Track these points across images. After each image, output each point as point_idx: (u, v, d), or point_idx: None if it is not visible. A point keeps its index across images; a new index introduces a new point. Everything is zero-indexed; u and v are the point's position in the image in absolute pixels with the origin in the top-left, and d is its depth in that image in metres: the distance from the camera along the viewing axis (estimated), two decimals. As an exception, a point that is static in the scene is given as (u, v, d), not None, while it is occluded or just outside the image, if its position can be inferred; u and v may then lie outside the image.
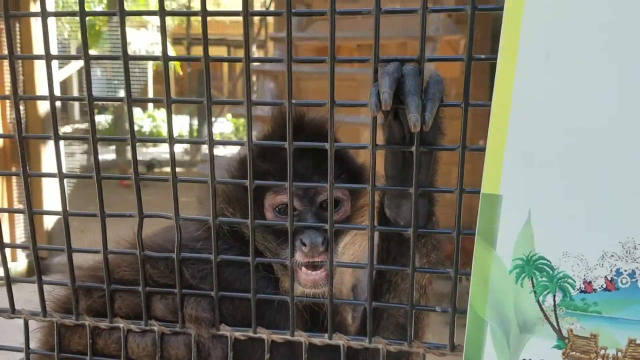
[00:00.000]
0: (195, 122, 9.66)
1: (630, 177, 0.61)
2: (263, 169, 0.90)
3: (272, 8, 8.50)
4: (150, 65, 8.75)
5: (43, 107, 4.38)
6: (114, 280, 0.85)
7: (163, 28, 0.75)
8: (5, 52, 0.79)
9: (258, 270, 0.85)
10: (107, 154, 8.83)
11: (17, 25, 4.29)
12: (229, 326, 0.82)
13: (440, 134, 0.78)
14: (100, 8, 8.19)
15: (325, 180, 0.72)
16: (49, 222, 4.77)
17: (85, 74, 0.79)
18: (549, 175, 0.64)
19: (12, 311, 0.88)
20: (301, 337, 0.80)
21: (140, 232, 0.80)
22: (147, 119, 10.50)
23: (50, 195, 4.57)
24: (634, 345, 0.63)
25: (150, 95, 9.74)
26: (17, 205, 4.56)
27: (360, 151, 0.83)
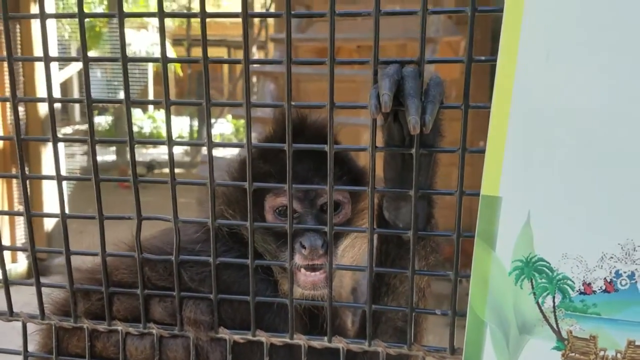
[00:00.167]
0: (196, 123, 9.67)
1: (630, 178, 0.61)
2: (264, 171, 0.90)
3: (272, 9, 8.51)
4: (150, 67, 8.77)
5: (43, 108, 4.38)
6: (112, 282, 0.85)
7: (162, 29, 0.75)
8: (4, 53, 0.78)
9: (257, 273, 0.84)
10: (107, 155, 8.83)
11: (18, 26, 4.29)
12: (227, 329, 0.82)
13: (440, 136, 0.77)
14: (100, 9, 8.19)
15: (326, 182, 0.72)
16: (48, 223, 4.76)
17: (84, 76, 0.79)
18: (548, 176, 0.63)
19: (10, 314, 0.88)
20: (300, 340, 0.80)
21: (139, 234, 0.80)
22: (147, 120, 10.51)
23: (51, 197, 4.57)
24: (633, 347, 0.62)
25: (151, 96, 9.75)
26: (17, 206, 4.55)
27: (361, 154, 0.82)
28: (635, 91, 0.60)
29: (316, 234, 0.87)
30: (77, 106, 9.63)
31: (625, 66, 0.60)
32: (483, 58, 0.69)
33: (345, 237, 0.96)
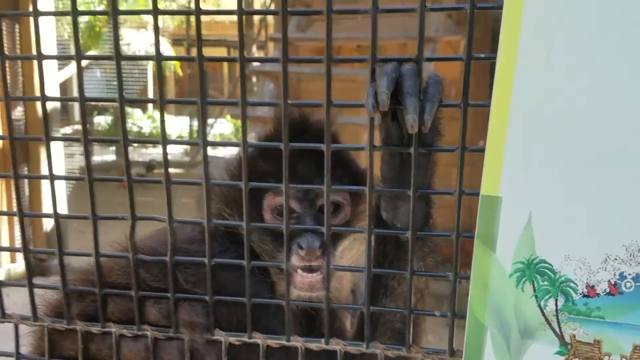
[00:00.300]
0: (196, 123, 9.66)
1: (634, 178, 0.59)
2: (263, 170, 0.88)
3: (272, 8, 8.49)
4: (150, 67, 8.75)
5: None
6: (106, 284, 0.84)
7: (156, 27, 0.74)
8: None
9: (254, 274, 0.83)
10: (107, 155, 8.81)
11: (17, 26, 4.28)
12: (223, 331, 0.81)
13: (439, 135, 0.76)
14: (100, 9, 8.18)
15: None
16: (48, 224, 4.75)
17: (77, 74, 0.78)
18: (550, 176, 0.62)
19: (1, 315, 0.87)
20: (297, 342, 0.78)
21: (133, 234, 0.79)
22: (147, 120, 10.49)
23: (48, 197, 4.54)
24: (638, 352, 0.61)
25: (150, 96, 9.74)
26: (15, 208, 4.52)
27: (362, 155, 0.81)
28: (638, 90, 0.58)
29: (314, 234, 0.86)
30: (76, 106, 9.59)
31: (627, 66, 0.58)
32: (482, 56, 0.67)
33: (344, 239, 0.94)
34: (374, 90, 0.65)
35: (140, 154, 9.36)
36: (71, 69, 6.71)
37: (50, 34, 4.37)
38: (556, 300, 0.63)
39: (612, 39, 0.58)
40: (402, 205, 0.80)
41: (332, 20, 0.65)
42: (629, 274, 0.60)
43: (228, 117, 10.01)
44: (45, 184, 4.57)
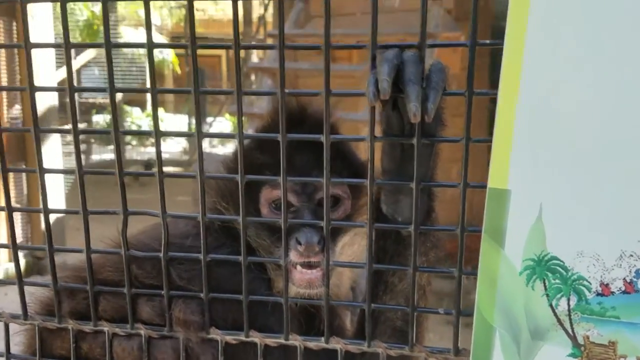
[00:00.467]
0: (194, 121, 9.60)
1: (651, 170, 0.56)
2: (260, 162, 0.85)
3: (270, 7, 8.45)
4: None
5: (42, 104, 4.34)
6: (98, 281, 0.80)
7: (147, 14, 0.70)
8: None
9: (250, 270, 0.80)
10: (106, 154, 8.77)
11: (14, 23, 4.25)
12: (219, 329, 0.78)
13: (442, 125, 0.73)
14: (98, 8, 8.12)
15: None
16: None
17: (66, 63, 0.74)
18: (561, 167, 0.59)
19: (-9, 314, 0.84)
20: (296, 341, 0.75)
21: (125, 230, 0.76)
22: (146, 119, 10.45)
23: (50, 193, 4.51)
24: (655, 353, 0.58)
25: (148, 94, 9.64)
26: (14, 204, 4.49)
27: (362, 148, 0.79)
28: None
29: (313, 229, 0.83)
30: (75, 105, 9.55)
31: (636, 56, 0.55)
32: (488, 42, 0.64)
33: (344, 234, 0.91)
34: (375, 78, 0.62)
35: (139, 152, 9.31)
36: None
37: (48, 31, 4.35)
38: (568, 300, 0.60)
39: (621, 29, 0.55)
40: (403, 198, 0.77)
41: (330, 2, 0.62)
42: (646, 271, 0.57)
43: (227, 115, 9.95)
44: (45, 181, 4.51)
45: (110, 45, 0.72)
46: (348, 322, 1.01)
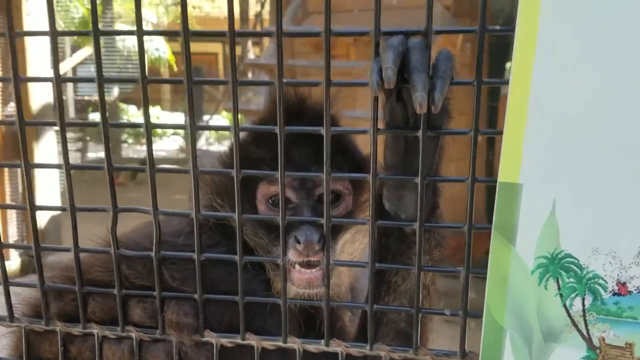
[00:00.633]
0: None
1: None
2: (256, 157, 0.81)
3: (267, 4, 8.40)
4: (145, 64, 8.58)
5: (37, 103, 4.30)
6: (87, 281, 0.77)
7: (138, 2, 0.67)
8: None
9: (247, 270, 0.76)
10: (101, 153, 8.67)
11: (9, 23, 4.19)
12: (214, 332, 0.74)
13: (448, 117, 0.69)
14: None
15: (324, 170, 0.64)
16: (41, 220, 4.67)
17: (52, 52, 0.71)
18: (576, 160, 0.55)
19: (-26, 316, 0.80)
20: (295, 343, 0.72)
21: (115, 227, 0.72)
22: (142, 117, 10.38)
23: (44, 192, 4.47)
24: (676, 356, 0.55)
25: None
26: (8, 201, 4.46)
27: (364, 143, 0.75)
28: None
29: (313, 227, 0.79)
30: (71, 104, 9.51)
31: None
32: (498, 27, 0.61)
33: (345, 231, 0.87)
34: (379, 66, 0.58)
35: (135, 150, 9.25)
36: (65, 65, 6.58)
37: (43, 28, 4.28)
38: (583, 299, 0.57)
39: (636, 20, 0.52)
40: (407, 194, 0.73)
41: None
42: (666, 270, 0.54)
43: (224, 113, 9.88)
44: (38, 179, 4.49)
45: (98, 33, 0.68)
46: (348, 323, 0.97)
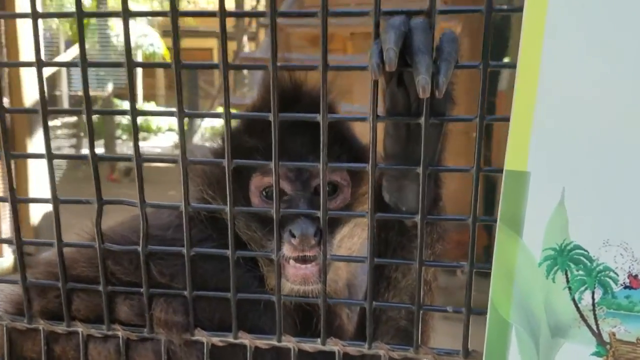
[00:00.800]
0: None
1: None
2: (249, 146, 0.77)
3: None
4: (139, 56, 8.56)
5: (29, 100, 4.25)
6: (71, 277, 0.73)
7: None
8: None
9: (240, 266, 0.73)
10: (96, 149, 8.61)
11: (2, 20, 4.14)
12: (205, 330, 0.71)
13: (452, 103, 0.66)
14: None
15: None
16: (35, 217, 4.62)
17: (34, 35, 0.67)
18: (587, 147, 0.53)
19: (-47, 314, 0.76)
20: (290, 342, 0.69)
21: (99, 220, 0.69)
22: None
23: (37, 186, 4.41)
24: (691, 353, 0.52)
25: (140, 88, 9.54)
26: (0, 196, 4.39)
27: (363, 135, 0.72)
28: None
29: (309, 220, 0.75)
30: (65, 99, 9.43)
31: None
32: (505, 7, 0.58)
33: (343, 225, 0.84)
34: (379, 47, 0.55)
35: (129, 147, 9.18)
36: (59, 60, 6.51)
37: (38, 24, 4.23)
38: (593, 293, 0.54)
39: None
40: (408, 185, 0.70)
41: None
42: (682, 262, 0.51)
43: (220, 109, 9.78)
44: (32, 173, 4.43)
45: (82, 15, 0.65)
46: (346, 320, 0.94)
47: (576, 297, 0.54)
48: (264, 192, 0.82)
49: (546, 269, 0.54)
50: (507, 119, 0.55)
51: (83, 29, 0.64)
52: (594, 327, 0.54)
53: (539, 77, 0.53)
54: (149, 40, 8.99)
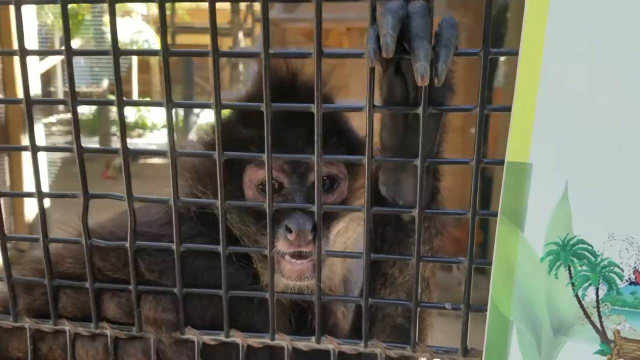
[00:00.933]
0: (181, 112, 9.44)
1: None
2: (243, 137, 0.74)
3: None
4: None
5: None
6: (57, 274, 0.71)
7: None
8: None
9: (232, 262, 0.71)
10: (91, 145, 8.56)
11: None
12: (196, 329, 0.69)
13: (451, 92, 0.64)
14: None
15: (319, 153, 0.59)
16: (30, 214, 4.58)
17: (16, 21, 0.64)
18: (591, 138, 0.51)
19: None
20: (283, 341, 0.67)
21: (86, 215, 0.66)
22: (132, 109, 10.25)
23: (33, 184, 4.37)
24: (699, 351, 0.50)
25: (135, 84, 9.47)
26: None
27: (360, 128, 0.69)
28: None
29: (305, 215, 0.73)
30: (60, 95, 9.36)
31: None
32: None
33: (339, 219, 0.81)
34: (375, 33, 0.53)
35: (125, 143, 9.09)
36: (52, 59, 6.44)
37: (31, 20, 4.19)
38: (597, 289, 0.52)
39: None
40: (405, 177, 0.68)
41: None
42: (691, 256, 0.49)
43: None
44: (27, 170, 4.39)
45: (67, 1, 0.62)
46: (342, 317, 0.92)
47: (579, 293, 0.52)
48: (259, 186, 0.79)
49: (548, 264, 0.53)
50: (508, 109, 0.53)
51: (67, 15, 0.62)
52: (598, 324, 0.52)
53: (541, 64, 0.51)
54: (144, 36, 8.93)
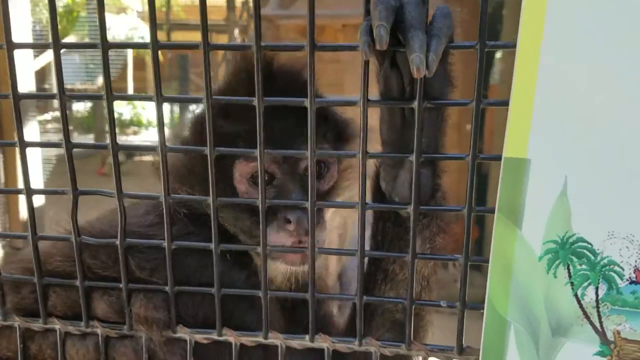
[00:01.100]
0: (177, 109, 9.41)
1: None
2: (225, 131, 0.71)
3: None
4: (130, 52, 8.46)
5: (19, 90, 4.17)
6: (46, 272, 0.70)
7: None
8: None
9: (225, 259, 0.69)
10: (86, 142, 8.52)
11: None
12: (188, 327, 0.67)
13: (450, 85, 0.62)
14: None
15: (308, 142, 0.57)
16: (25, 211, 4.54)
17: (3, 14, 0.63)
18: (590, 133, 0.49)
19: None
20: (277, 339, 0.66)
21: (75, 212, 0.65)
22: (127, 106, 10.20)
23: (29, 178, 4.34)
24: (699, 351, 0.49)
25: (130, 82, 9.42)
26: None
27: (348, 108, 0.68)
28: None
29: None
30: (54, 90, 9.29)
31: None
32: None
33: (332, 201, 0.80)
34: (369, 25, 0.51)
35: (120, 140, 9.05)
36: (48, 57, 6.40)
37: (25, 17, 4.16)
38: (597, 289, 0.51)
39: None
40: (402, 174, 0.66)
41: None
42: (692, 255, 0.48)
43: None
44: (21, 168, 4.35)
45: (53, -5, 0.60)
46: (338, 314, 0.90)
47: (579, 293, 0.51)
48: (251, 179, 0.77)
49: (547, 263, 0.51)
50: (506, 103, 0.52)
51: (55, 7, 0.60)
52: (598, 324, 0.51)
53: (540, 57, 0.50)
54: (139, 33, 8.88)
